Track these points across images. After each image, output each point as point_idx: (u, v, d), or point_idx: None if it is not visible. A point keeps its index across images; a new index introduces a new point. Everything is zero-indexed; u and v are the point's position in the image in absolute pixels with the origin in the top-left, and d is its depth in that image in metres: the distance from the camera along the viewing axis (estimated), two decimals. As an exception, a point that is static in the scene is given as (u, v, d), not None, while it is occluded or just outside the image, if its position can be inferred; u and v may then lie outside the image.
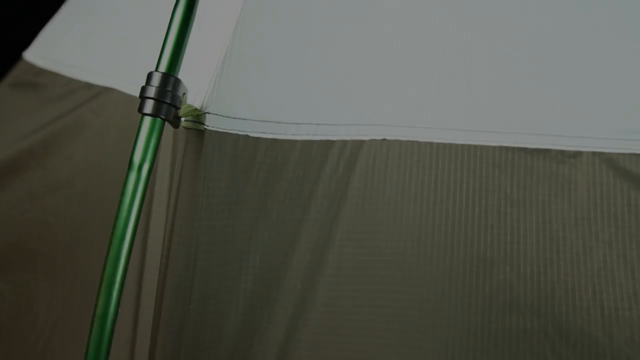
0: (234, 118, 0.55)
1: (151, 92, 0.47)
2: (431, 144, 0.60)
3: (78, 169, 0.78)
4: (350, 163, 0.60)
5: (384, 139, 0.60)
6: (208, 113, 0.53)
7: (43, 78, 0.91)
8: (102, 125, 0.78)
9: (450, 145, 0.60)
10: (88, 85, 0.83)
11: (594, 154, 0.59)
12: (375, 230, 0.59)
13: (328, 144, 0.59)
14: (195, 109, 0.52)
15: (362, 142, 0.60)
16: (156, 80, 0.47)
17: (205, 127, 0.53)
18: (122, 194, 0.46)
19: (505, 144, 0.60)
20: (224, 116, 0.54)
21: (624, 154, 0.59)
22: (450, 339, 0.57)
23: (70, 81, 0.86)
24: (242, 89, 0.56)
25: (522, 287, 0.57)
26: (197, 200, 0.53)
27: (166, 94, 0.47)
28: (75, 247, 0.75)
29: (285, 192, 0.58)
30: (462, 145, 0.60)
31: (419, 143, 0.60)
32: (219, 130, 0.54)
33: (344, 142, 0.60)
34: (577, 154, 0.59)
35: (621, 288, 0.57)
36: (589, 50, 0.63)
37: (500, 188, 0.59)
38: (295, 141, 0.58)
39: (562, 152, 0.59)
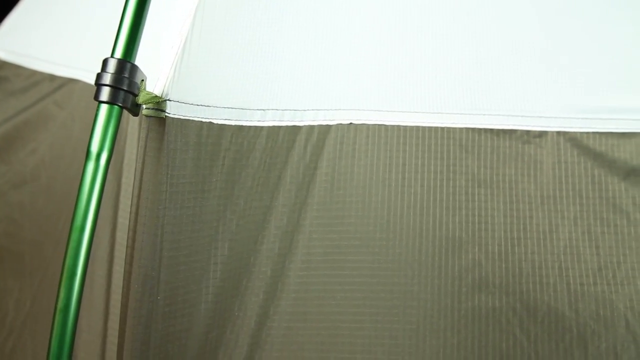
0: (197, 105, 0.54)
1: (107, 79, 0.46)
2: (398, 127, 0.60)
3: (43, 163, 0.76)
4: (317, 148, 0.59)
5: (350, 123, 0.60)
6: (169, 100, 0.52)
7: (5, 71, 0.88)
8: (67, 117, 0.76)
9: (417, 127, 0.60)
10: (51, 77, 0.81)
11: (558, 133, 0.60)
12: (344, 215, 0.59)
13: (295, 129, 0.59)
14: (155, 96, 0.51)
15: (329, 127, 0.59)
16: (112, 66, 0.46)
17: (167, 114, 0.52)
18: (81, 184, 0.45)
19: (472, 126, 0.60)
20: (186, 103, 0.53)
21: (587, 133, 0.60)
22: (421, 320, 0.57)
23: (33, 73, 0.84)
24: (205, 75, 0.55)
25: (490, 267, 0.58)
26: (161, 189, 0.52)
27: (122, 81, 0.46)
28: (42, 243, 0.74)
29: (252, 179, 0.57)
30: (429, 128, 0.60)
31: (386, 126, 0.60)
32: (182, 117, 0.53)
33: (311, 128, 0.59)
34: (542, 134, 0.60)
35: (586, 264, 0.58)
36: (550, 32, 0.64)
37: (467, 169, 0.59)
38: (262, 127, 0.58)
39: (528, 132, 0.60)
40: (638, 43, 0.63)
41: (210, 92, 0.54)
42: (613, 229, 0.58)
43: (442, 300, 0.57)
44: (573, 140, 0.60)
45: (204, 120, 0.54)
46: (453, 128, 0.60)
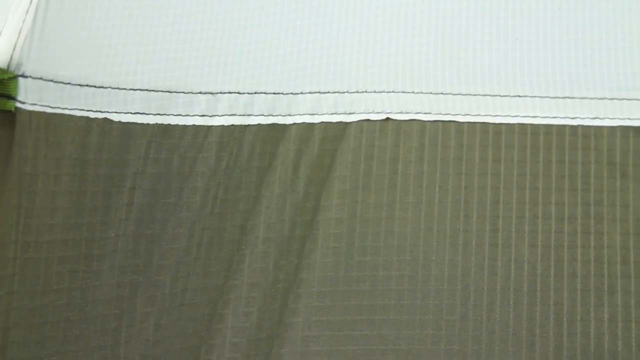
0: (81, 85, 0.29)
1: None
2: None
3: None
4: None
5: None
6: (23, 76, 0.28)
7: None
8: None
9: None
10: None
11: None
12: None
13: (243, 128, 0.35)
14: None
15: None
16: None
17: (19, 104, 0.28)
18: None
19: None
20: (56, 81, 0.29)
21: None
22: None
23: None
24: (84, 37, 0.29)
25: None
26: (9, 243, 0.28)
27: None
28: None
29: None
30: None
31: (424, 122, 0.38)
32: (49, 110, 0.28)
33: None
34: None
35: None
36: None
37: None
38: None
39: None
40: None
41: (99, 63, 0.29)
42: None
43: None
44: None
45: (91, 115, 0.29)
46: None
